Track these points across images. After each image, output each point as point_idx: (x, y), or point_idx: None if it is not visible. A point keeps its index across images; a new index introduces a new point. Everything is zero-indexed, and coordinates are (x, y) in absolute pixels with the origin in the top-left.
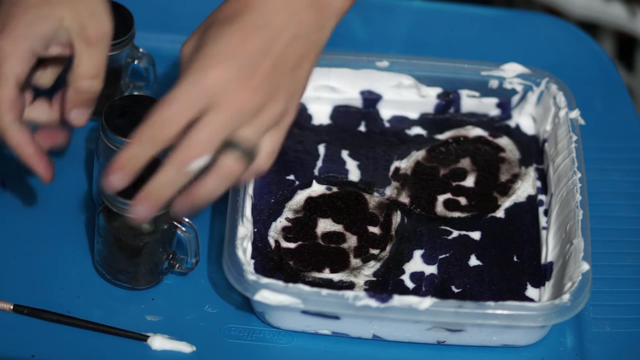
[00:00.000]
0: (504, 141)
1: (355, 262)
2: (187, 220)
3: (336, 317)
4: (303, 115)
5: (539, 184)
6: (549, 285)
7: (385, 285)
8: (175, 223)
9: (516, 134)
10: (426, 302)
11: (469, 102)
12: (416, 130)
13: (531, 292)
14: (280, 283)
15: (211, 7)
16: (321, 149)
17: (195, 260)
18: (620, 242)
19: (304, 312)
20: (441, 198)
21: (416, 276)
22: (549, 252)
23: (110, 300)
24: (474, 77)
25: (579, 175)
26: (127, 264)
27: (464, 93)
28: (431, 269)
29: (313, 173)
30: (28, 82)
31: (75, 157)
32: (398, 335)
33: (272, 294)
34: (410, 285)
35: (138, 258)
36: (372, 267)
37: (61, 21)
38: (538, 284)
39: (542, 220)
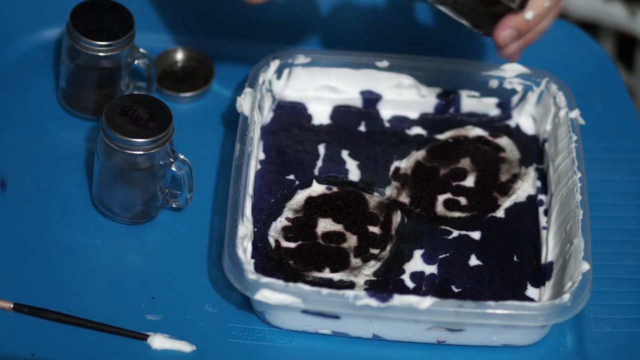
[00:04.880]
0: (504, 141)
1: (355, 261)
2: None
3: (336, 317)
4: (303, 115)
5: (539, 183)
6: (549, 285)
7: (385, 285)
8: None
9: (516, 134)
10: (426, 302)
11: (469, 102)
12: (416, 130)
13: (531, 292)
14: (280, 282)
15: (210, 7)
16: (321, 149)
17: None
18: (620, 242)
19: (304, 311)
20: (441, 198)
21: (416, 276)
22: (549, 251)
23: (111, 299)
24: (474, 77)
25: (579, 175)
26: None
27: (464, 93)
28: (431, 269)
29: (313, 173)
30: None
31: (75, 157)
32: (398, 334)
33: (272, 293)
34: (410, 284)
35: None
36: (372, 266)
37: None
38: (538, 283)
39: (542, 220)
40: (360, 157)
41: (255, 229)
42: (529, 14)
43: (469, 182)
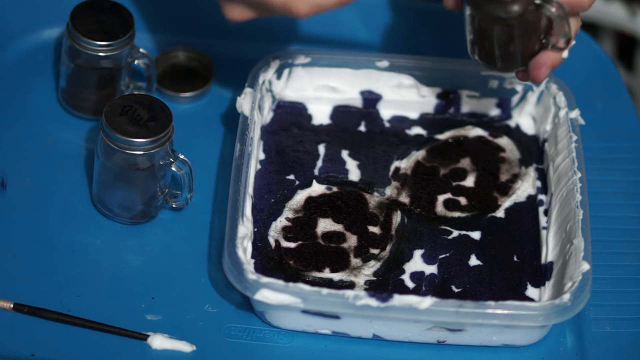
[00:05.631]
0: (504, 141)
1: (355, 261)
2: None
3: (336, 317)
4: (303, 115)
5: (539, 183)
6: (549, 285)
7: (385, 285)
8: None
9: (516, 134)
10: (426, 302)
11: (469, 102)
12: (416, 130)
13: (531, 291)
14: (280, 282)
15: (210, 7)
16: (321, 149)
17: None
18: (620, 242)
19: (304, 311)
20: (441, 198)
21: (416, 276)
22: (549, 251)
23: (111, 299)
24: (474, 77)
25: (579, 175)
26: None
27: (464, 93)
28: (431, 269)
29: (313, 173)
30: None
31: (75, 157)
32: (398, 334)
33: (272, 293)
34: (410, 285)
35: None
36: (372, 266)
37: None
38: (538, 283)
39: (542, 220)
40: (360, 157)
41: (255, 229)
42: (565, 54)
43: (469, 182)
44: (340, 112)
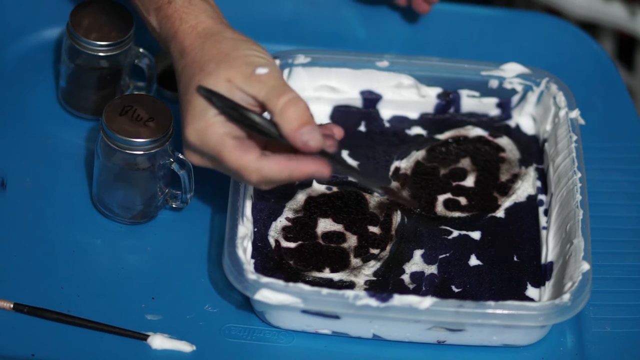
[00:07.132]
0: (504, 141)
1: (355, 261)
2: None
3: (336, 317)
4: None
5: (539, 183)
6: (549, 285)
7: (385, 285)
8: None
9: (516, 134)
10: (426, 302)
11: (469, 102)
12: (416, 130)
13: (531, 292)
14: (280, 282)
15: None
16: None
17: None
18: (620, 242)
19: (304, 311)
20: (441, 198)
21: (416, 276)
22: (549, 251)
23: (111, 299)
24: (474, 77)
25: (579, 175)
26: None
27: (464, 93)
28: (431, 269)
29: None
30: None
31: (75, 157)
32: (398, 334)
33: (272, 293)
34: (410, 285)
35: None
36: (372, 266)
37: None
38: (538, 283)
39: (542, 220)
40: (360, 157)
41: (255, 229)
42: None
43: (469, 182)
44: (341, 112)
